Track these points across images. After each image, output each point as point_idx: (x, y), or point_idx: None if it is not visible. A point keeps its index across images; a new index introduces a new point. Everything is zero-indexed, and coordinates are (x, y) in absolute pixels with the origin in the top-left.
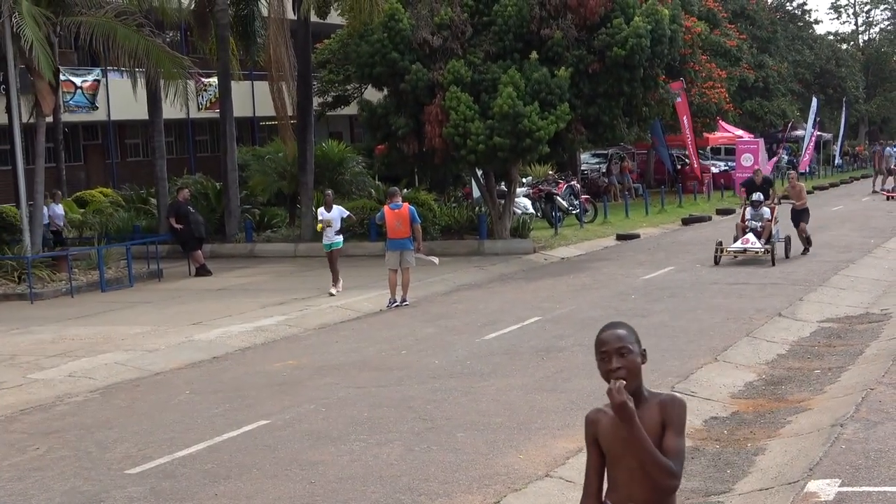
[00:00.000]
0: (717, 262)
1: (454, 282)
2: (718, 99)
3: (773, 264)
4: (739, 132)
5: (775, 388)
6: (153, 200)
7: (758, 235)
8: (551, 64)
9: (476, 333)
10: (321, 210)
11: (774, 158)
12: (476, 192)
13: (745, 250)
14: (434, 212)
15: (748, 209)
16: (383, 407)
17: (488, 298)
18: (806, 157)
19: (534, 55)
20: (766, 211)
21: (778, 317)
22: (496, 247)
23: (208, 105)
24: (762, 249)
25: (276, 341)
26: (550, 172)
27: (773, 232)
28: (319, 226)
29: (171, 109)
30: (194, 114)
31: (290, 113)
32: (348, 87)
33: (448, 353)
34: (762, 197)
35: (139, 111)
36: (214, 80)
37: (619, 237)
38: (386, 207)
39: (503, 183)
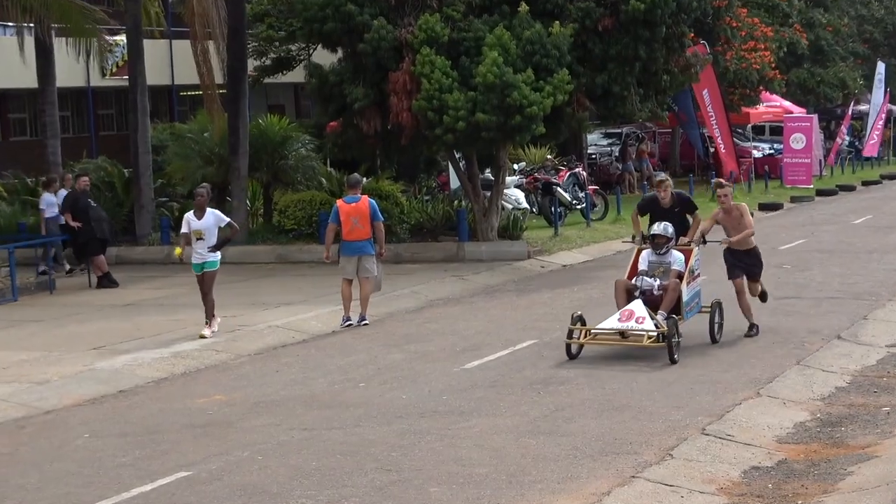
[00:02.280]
0: (570, 355)
1: (427, 295)
2: (762, 64)
3: (673, 360)
4: (788, 105)
5: (833, 430)
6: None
7: (652, 303)
8: (549, 18)
9: (454, 361)
10: (189, 216)
11: (837, 141)
12: (455, 182)
13: (622, 334)
14: (401, 206)
15: (644, 252)
16: (336, 454)
17: (470, 317)
18: (873, 138)
19: (524, 7)
20: (675, 257)
21: (836, 340)
22: (480, 251)
23: (114, 70)
24: (651, 334)
25: (200, 371)
26: (549, 157)
27: (686, 297)
28: (178, 250)
29: (67, 75)
30: (96, 81)
31: (217, 80)
32: (292, 48)
33: (419, 385)
34: (670, 231)
35: (25, 77)
36: (122, 37)
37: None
38: (340, 202)
39: (489, 170)
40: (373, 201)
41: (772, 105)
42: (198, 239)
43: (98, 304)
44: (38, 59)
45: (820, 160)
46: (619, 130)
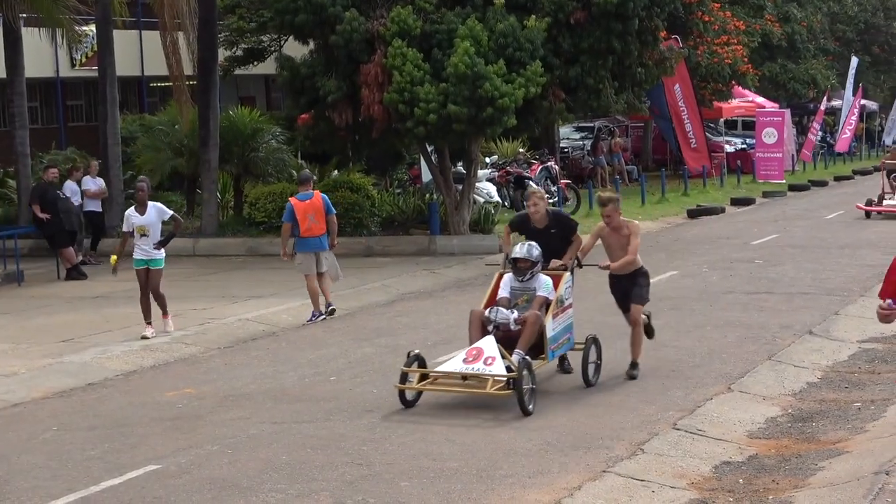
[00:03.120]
0: (405, 403)
1: (397, 289)
2: (734, 58)
3: (527, 412)
4: (760, 100)
5: (804, 425)
6: (11, 182)
7: (511, 339)
8: (523, 12)
9: (426, 355)
10: (130, 213)
11: (810, 137)
12: (426, 175)
13: (463, 377)
14: (372, 199)
15: (507, 276)
16: (307, 448)
17: (441, 310)
18: (846, 133)
19: (499, 0)
20: (541, 283)
21: (808, 335)
22: (451, 244)
23: (83, 61)
24: (498, 379)
25: (169, 364)
26: (521, 151)
27: (551, 332)
28: (114, 259)
29: (36, 66)
30: (65, 72)
31: (188, 71)
32: (263, 39)
33: (389, 379)
34: (535, 253)
35: None
36: (92, 28)
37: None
38: (294, 200)
39: (461, 163)
40: (325, 196)
41: (744, 99)
42: (142, 235)
43: (67, 296)
44: (7, 49)
45: (792, 155)
46: (592, 124)
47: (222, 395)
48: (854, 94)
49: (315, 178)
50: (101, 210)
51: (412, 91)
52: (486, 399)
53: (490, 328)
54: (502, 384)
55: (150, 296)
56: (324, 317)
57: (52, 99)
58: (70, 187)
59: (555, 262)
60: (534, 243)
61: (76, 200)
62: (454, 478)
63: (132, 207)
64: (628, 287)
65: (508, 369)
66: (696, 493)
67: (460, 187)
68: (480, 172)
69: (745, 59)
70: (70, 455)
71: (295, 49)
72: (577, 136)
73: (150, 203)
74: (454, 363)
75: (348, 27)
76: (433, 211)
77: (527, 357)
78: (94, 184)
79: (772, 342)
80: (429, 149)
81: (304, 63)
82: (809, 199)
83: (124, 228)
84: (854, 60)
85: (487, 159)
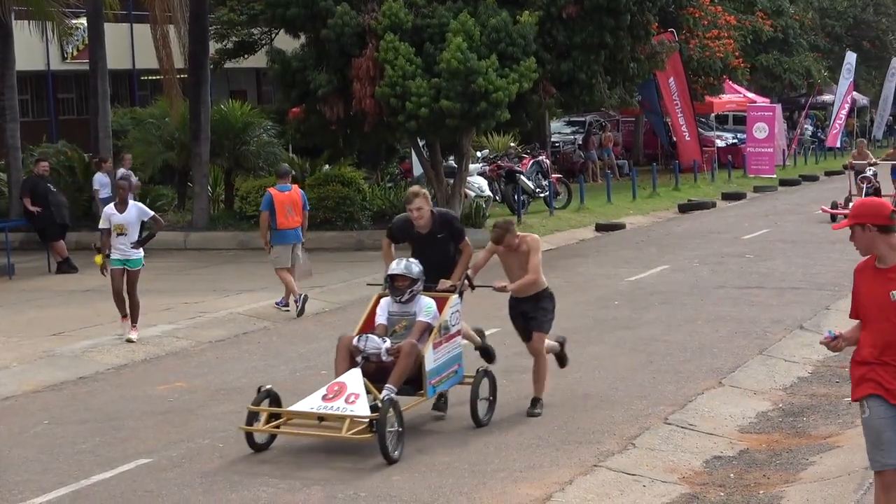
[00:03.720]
0: (254, 447)
1: None
2: (725, 53)
3: (391, 459)
4: (751, 95)
5: (795, 419)
6: (2, 175)
7: (382, 373)
8: (514, 7)
9: None
10: (109, 210)
11: (797, 131)
12: (418, 169)
13: (320, 418)
14: (363, 193)
15: (385, 300)
16: (298, 442)
17: None
18: (836, 127)
19: None
20: (422, 306)
21: (799, 330)
22: None
23: (75, 54)
24: (359, 419)
25: (161, 357)
26: (512, 145)
27: (431, 364)
28: (98, 259)
29: (27, 59)
30: (56, 65)
31: (178, 64)
32: (254, 32)
33: None
34: (414, 270)
35: None
36: (82, 20)
37: (599, 227)
38: (273, 190)
39: (452, 158)
40: (302, 191)
41: (735, 94)
42: (119, 234)
43: (58, 289)
44: None
45: (783, 150)
46: (583, 119)
47: (213, 388)
48: (846, 88)
49: (294, 172)
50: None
51: (404, 85)
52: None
53: (359, 359)
54: (363, 426)
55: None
56: (288, 308)
57: (42, 92)
58: (100, 180)
59: (443, 283)
60: (414, 259)
61: (105, 193)
62: (446, 472)
63: (111, 204)
64: (530, 312)
65: (374, 408)
66: (688, 487)
67: (451, 181)
68: (472, 167)
69: (737, 54)
70: (61, 449)
71: (286, 42)
72: (569, 130)
73: (131, 202)
74: (311, 400)
75: (340, 21)
76: None
77: (394, 395)
78: (104, 179)
79: (763, 337)
80: (420, 143)
81: (296, 56)
82: (800, 194)
83: (101, 225)
84: (850, 55)
85: (479, 153)
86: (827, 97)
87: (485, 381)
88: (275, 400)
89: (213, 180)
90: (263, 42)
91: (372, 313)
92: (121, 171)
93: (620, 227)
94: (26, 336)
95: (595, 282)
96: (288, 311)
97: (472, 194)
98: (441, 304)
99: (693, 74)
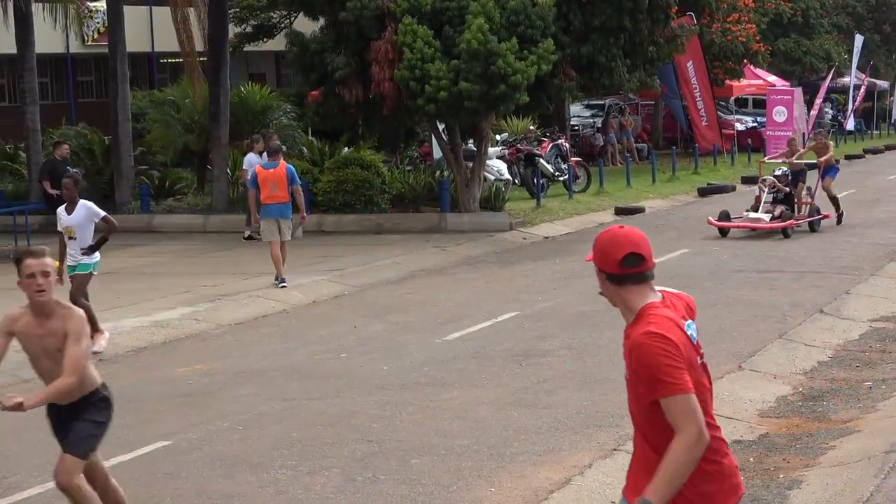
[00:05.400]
0: None
1: (408, 266)
2: (746, 37)
3: None
4: (771, 79)
5: (815, 404)
6: (22, 157)
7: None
8: None
9: (435, 332)
10: (60, 211)
11: (813, 112)
12: (437, 153)
13: None
14: (383, 177)
15: None
16: (317, 425)
17: (451, 288)
18: (850, 113)
19: None
20: None
21: (819, 314)
22: (462, 222)
23: (94, 37)
24: None
25: (180, 340)
26: (532, 128)
27: None
28: (57, 264)
29: (46, 41)
30: (76, 48)
31: (198, 47)
32: (273, 15)
33: (400, 356)
34: None
35: (3, 43)
36: (102, 3)
37: (619, 211)
38: (258, 167)
39: (472, 141)
40: (290, 167)
41: (755, 79)
42: (69, 238)
43: None
44: (17, 25)
45: (803, 133)
46: (602, 102)
47: (233, 371)
48: (859, 72)
49: (284, 149)
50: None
51: (423, 68)
52: (497, 376)
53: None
54: None
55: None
56: (285, 285)
57: (62, 75)
58: (250, 160)
59: None
60: None
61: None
62: (465, 455)
63: (62, 207)
64: (70, 423)
65: None
66: None
67: (471, 165)
68: (491, 150)
69: (758, 38)
70: None
71: (305, 25)
72: (588, 113)
73: (80, 201)
74: None
75: (358, 3)
76: (444, 188)
77: None
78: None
79: (782, 321)
80: (440, 126)
81: (314, 39)
82: None
83: (59, 227)
84: (859, 39)
85: (498, 137)
86: (846, 79)
87: None
88: None
89: (233, 163)
90: (283, 25)
91: None
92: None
93: (640, 210)
94: None
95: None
96: (285, 286)
97: (492, 178)
98: None
99: (714, 59)
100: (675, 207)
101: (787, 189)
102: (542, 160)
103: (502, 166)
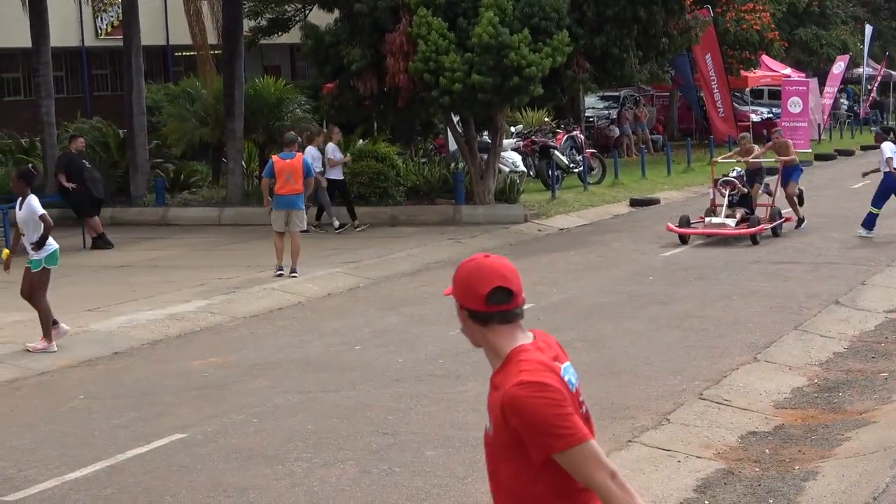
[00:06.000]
0: None
1: (423, 258)
2: (762, 26)
3: None
4: (786, 70)
5: (830, 395)
6: (38, 151)
7: None
8: None
9: (450, 324)
10: (16, 205)
11: (826, 103)
12: (452, 145)
13: None
14: (398, 169)
15: None
16: (332, 418)
17: None
18: (867, 102)
19: None
20: None
21: (835, 305)
22: (477, 214)
23: (109, 30)
24: None
25: (195, 333)
26: (546, 120)
27: None
28: (6, 252)
29: (61, 35)
30: (91, 41)
31: (212, 40)
32: (288, 8)
33: (415, 349)
34: None
35: (19, 37)
36: None
37: (634, 203)
38: (275, 157)
39: (486, 133)
40: (307, 159)
41: (770, 70)
42: (21, 234)
43: (92, 265)
44: (33, 18)
45: (819, 124)
46: (617, 93)
47: (248, 364)
48: (868, 62)
49: (301, 140)
50: (342, 178)
51: (437, 60)
52: None
53: None
54: None
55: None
56: (285, 274)
57: (77, 68)
58: (311, 152)
59: None
60: None
61: (317, 167)
62: (480, 447)
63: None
64: None
65: None
66: (723, 463)
67: (485, 157)
68: (506, 142)
69: (773, 27)
70: (96, 423)
71: (320, 18)
72: (603, 105)
73: (31, 196)
74: None
75: None
76: (458, 180)
77: None
78: (337, 152)
79: (798, 312)
80: (454, 118)
81: (329, 32)
82: (836, 169)
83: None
84: (868, 28)
85: (513, 129)
86: (861, 70)
87: None
88: None
89: (248, 156)
90: (297, 18)
91: None
92: (330, 146)
93: (655, 202)
94: (61, 312)
95: (629, 257)
96: (282, 275)
97: (507, 169)
98: None
99: (729, 48)
100: (690, 199)
101: (746, 190)
102: (556, 152)
103: (517, 158)
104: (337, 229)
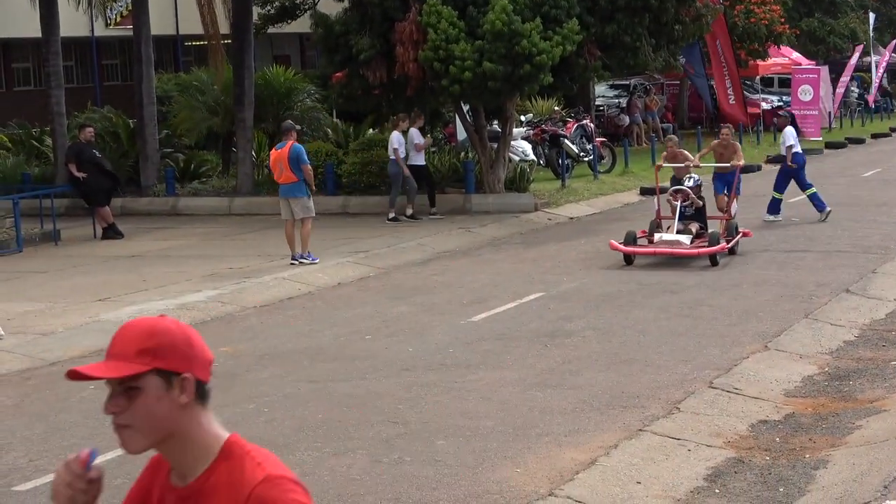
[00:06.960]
0: None
1: (433, 247)
2: (770, 18)
3: None
4: (796, 56)
5: (841, 383)
6: (48, 141)
7: None
8: None
9: (461, 314)
10: None
11: (838, 91)
12: (461, 134)
13: None
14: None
15: None
16: (343, 407)
17: (476, 269)
18: (874, 90)
19: None
20: None
21: (845, 293)
22: (487, 203)
23: (118, 20)
24: None
25: (206, 323)
26: (556, 109)
27: None
28: None
29: (71, 25)
30: (100, 31)
31: (223, 30)
32: None
33: (425, 338)
34: None
35: (29, 27)
36: None
37: (644, 191)
38: (273, 149)
39: (496, 122)
40: (297, 146)
41: (780, 57)
42: None
43: (103, 255)
44: (42, 9)
45: (829, 112)
46: (627, 82)
47: (259, 353)
48: (878, 49)
49: (297, 128)
50: (424, 164)
51: (447, 49)
52: (522, 357)
53: None
54: None
55: None
56: (295, 263)
57: (87, 58)
58: (397, 138)
59: None
60: None
61: (401, 152)
62: (490, 436)
63: None
64: None
65: None
66: (733, 451)
67: (495, 146)
68: (515, 131)
69: (783, 20)
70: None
71: (329, 6)
72: (613, 93)
73: None
74: None
75: None
76: (468, 169)
77: None
78: (420, 137)
79: (808, 300)
80: (464, 107)
81: (339, 21)
82: (846, 157)
83: None
84: (871, 16)
85: (522, 117)
86: (869, 58)
87: None
88: None
89: (258, 145)
90: (306, 6)
91: None
92: (413, 132)
93: (664, 190)
94: (72, 302)
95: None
96: (295, 263)
97: (517, 158)
98: None
99: (738, 41)
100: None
101: (701, 202)
102: (566, 141)
103: (527, 147)
104: (389, 219)
